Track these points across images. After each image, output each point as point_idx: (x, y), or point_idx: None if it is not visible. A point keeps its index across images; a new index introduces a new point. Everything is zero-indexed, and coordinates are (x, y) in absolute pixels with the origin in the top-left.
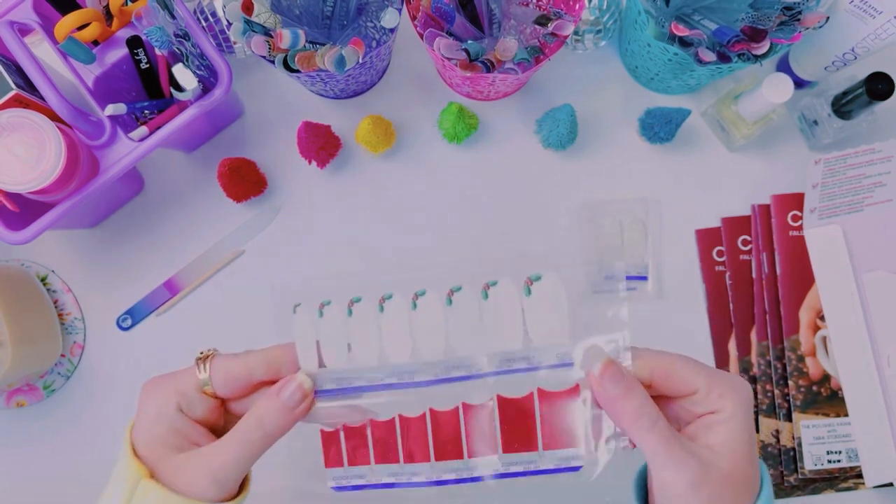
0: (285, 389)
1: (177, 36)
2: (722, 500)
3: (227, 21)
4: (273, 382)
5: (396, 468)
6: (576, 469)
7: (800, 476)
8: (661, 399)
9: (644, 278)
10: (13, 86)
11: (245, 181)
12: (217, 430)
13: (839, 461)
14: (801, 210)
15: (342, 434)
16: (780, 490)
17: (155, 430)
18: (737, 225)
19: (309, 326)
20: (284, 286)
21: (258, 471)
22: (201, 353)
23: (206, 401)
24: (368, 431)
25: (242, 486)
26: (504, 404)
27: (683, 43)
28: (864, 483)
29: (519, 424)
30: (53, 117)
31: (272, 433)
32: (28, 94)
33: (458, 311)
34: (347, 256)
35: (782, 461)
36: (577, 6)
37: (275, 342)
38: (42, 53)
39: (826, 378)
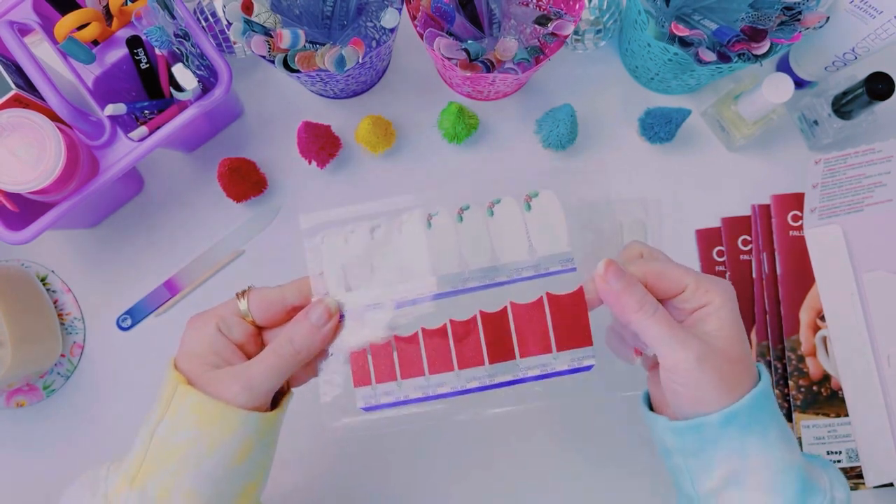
0: (313, 311)
1: (177, 36)
2: (726, 374)
3: (227, 21)
4: (304, 306)
5: (423, 381)
6: (588, 368)
7: None
8: None
9: None
10: (13, 86)
11: (245, 181)
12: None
13: (839, 461)
14: (801, 210)
15: (369, 353)
16: None
17: (197, 350)
18: (737, 225)
19: (336, 254)
20: (312, 220)
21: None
22: (241, 290)
23: (244, 325)
24: (394, 348)
25: (278, 404)
26: (517, 310)
27: (683, 43)
28: (864, 483)
29: (532, 328)
30: (53, 117)
31: (301, 350)
32: (28, 94)
33: (469, 227)
34: None
35: None
36: (577, 6)
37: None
38: (42, 53)
39: (826, 378)
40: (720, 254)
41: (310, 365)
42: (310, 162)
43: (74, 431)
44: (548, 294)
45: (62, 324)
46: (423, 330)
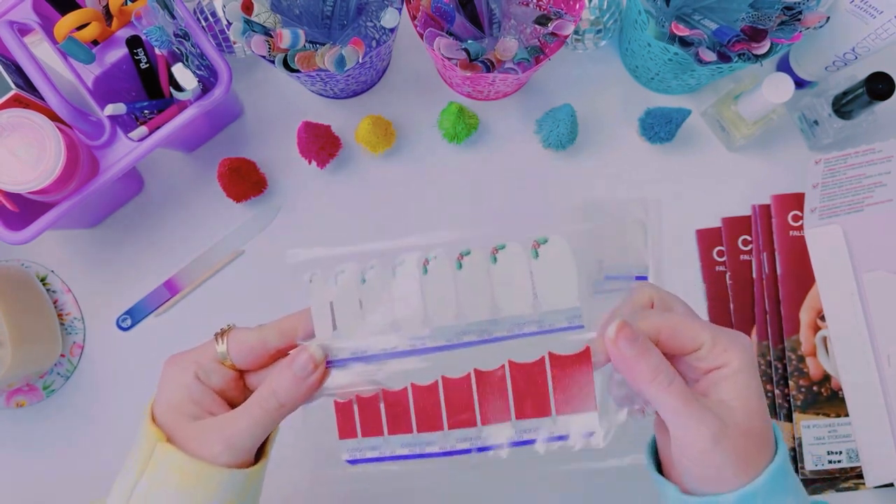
0: (297, 360)
1: (176, 36)
2: (741, 452)
3: (227, 21)
4: (288, 349)
5: (410, 438)
6: (591, 435)
7: (800, 476)
8: (666, 358)
9: (644, 278)
10: (13, 86)
11: (245, 181)
12: (234, 405)
13: (839, 461)
14: (801, 210)
15: (355, 405)
16: None
17: (173, 399)
18: (737, 225)
19: (324, 294)
20: (300, 259)
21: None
22: (220, 329)
23: (224, 371)
24: (381, 401)
25: (261, 455)
26: (515, 370)
27: (684, 43)
28: (864, 483)
29: (531, 390)
30: (53, 117)
31: (285, 403)
32: (28, 94)
33: (469, 274)
34: None
35: None
36: (577, 6)
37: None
38: (42, 53)
39: (826, 378)
40: (720, 254)
41: None
42: (310, 162)
43: (74, 431)
44: (550, 353)
45: (62, 324)
46: (413, 386)
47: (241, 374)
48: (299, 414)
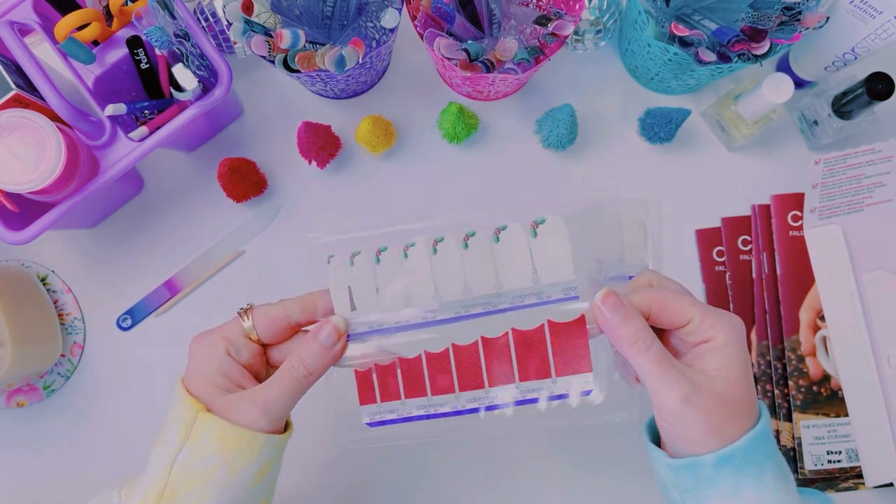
0: (322, 331)
1: (177, 36)
2: (715, 417)
3: (227, 21)
4: (307, 324)
5: (424, 401)
6: (587, 393)
7: (800, 476)
8: (659, 333)
9: None
10: (13, 86)
11: (245, 181)
12: (259, 378)
13: (839, 461)
14: (801, 210)
15: (374, 374)
16: None
17: (207, 373)
18: (737, 225)
19: (342, 274)
20: (319, 240)
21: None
22: (241, 307)
23: (251, 346)
24: (398, 369)
25: (287, 426)
26: (518, 336)
27: (683, 43)
28: (864, 483)
29: (533, 354)
30: (53, 117)
31: (313, 370)
32: (28, 95)
33: (474, 253)
34: None
35: None
36: (577, 6)
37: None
38: (42, 53)
39: (826, 378)
40: (720, 254)
41: None
42: (310, 162)
43: (74, 431)
44: (549, 321)
45: (62, 324)
46: (427, 353)
47: (265, 349)
48: (322, 386)
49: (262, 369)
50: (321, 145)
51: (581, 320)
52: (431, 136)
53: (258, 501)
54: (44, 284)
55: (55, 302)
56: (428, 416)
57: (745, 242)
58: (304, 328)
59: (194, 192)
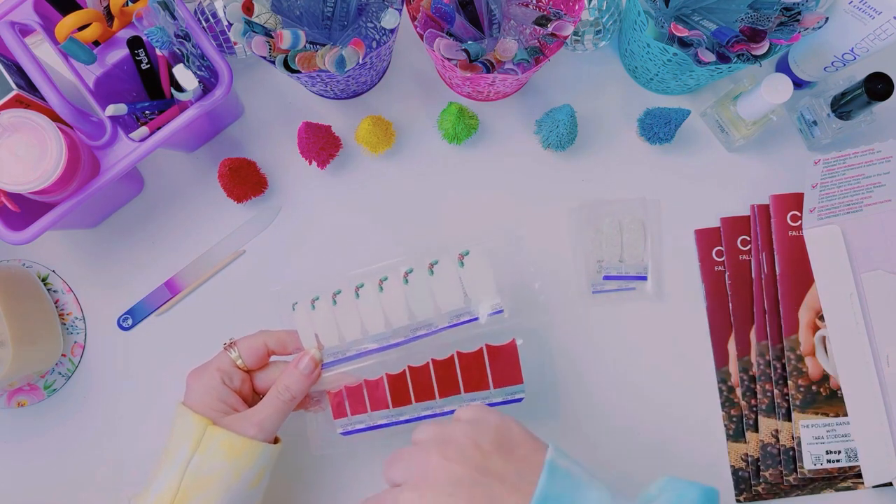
0: (301, 362)
1: (177, 36)
2: None
3: (228, 22)
4: (279, 355)
5: (387, 412)
6: (519, 400)
7: (799, 476)
8: None
9: (644, 278)
10: (14, 86)
11: (245, 181)
12: (248, 402)
13: (838, 461)
14: (800, 210)
15: (344, 393)
16: (780, 490)
17: (205, 400)
18: (736, 225)
19: (306, 318)
20: (283, 291)
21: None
22: (225, 342)
23: (240, 373)
24: (364, 388)
25: (276, 440)
26: (462, 357)
27: (683, 43)
28: (863, 483)
29: (474, 372)
30: (54, 118)
31: (296, 394)
32: (29, 95)
33: (414, 286)
34: (347, 256)
35: (782, 461)
36: (577, 6)
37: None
38: (43, 54)
39: (825, 378)
40: (719, 254)
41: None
42: (310, 162)
43: (75, 431)
44: (487, 345)
45: (63, 324)
46: (387, 374)
47: (249, 375)
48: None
49: (249, 394)
50: (321, 145)
51: (512, 343)
52: (431, 137)
53: (253, 503)
54: (45, 284)
55: (56, 302)
56: (390, 424)
57: (744, 242)
58: (278, 358)
59: (195, 192)
